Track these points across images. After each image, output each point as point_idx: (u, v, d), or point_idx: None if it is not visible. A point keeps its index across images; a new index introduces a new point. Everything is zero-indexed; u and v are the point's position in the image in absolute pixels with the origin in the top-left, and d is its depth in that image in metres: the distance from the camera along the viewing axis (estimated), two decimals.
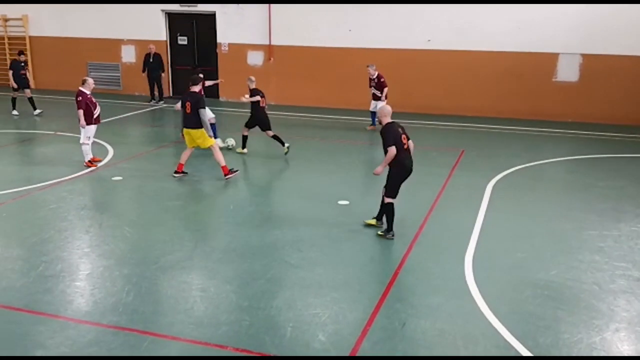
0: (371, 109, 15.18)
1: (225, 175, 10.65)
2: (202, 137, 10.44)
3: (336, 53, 17.83)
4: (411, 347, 5.68)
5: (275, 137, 12.50)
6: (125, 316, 6.15)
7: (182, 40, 19.81)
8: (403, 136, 7.99)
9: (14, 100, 16.50)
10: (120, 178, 10.90)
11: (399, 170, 8.05)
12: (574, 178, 11.50)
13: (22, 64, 16.46)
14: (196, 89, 10.61)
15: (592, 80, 16.11)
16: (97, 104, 11.59)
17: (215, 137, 13.37)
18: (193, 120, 10.39)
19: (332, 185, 10.70)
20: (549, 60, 16.33)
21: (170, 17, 19.74)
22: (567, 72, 16.32)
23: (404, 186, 8.23)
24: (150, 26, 19.64)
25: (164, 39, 19.80)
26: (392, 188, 8.13)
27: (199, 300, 6.57)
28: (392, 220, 8.20)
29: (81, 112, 11.17)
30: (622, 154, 13.07)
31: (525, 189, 10.61)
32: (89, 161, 11.46)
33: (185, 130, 10.63)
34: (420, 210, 9.36)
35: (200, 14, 19.26)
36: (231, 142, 13.07)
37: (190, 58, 19.78)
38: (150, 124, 16.42)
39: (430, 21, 16.90)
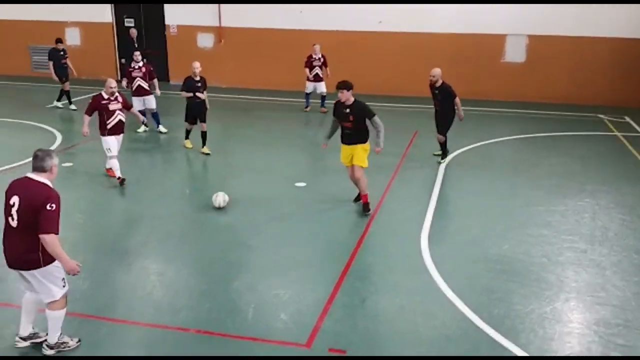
0: (309, 90, 15.18)
1: (365, 206, 8.53)
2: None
3: (288, 35, 17.69)
4: (372, 323, 5.79)
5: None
6: (82, 303, 6.04)
7: (129, 23, 19.28)
8: None
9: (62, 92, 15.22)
10: (71, 164, 10.61)
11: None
12: (521, 156, 11.84)
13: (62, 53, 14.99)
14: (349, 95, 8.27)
15: (537, 61, 16.55)
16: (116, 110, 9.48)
17: (158, 124, 12.98)
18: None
19: (288, 168, 10.71)
20: (497, 41, 16.68)
21: None
22: (514, 53, 16.72)
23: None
24: (95, 8, 19.03)
25: (110, 20, 19.23)
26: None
27: (158, 286, 6.50)
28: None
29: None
30: (566, 132, 13.53)
31: (476, 167, 10.87)
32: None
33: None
34: (376, 191, 9.45)
35: None
36: None
37: (137, 41, 19.24)
38: None
39: (382, 4, 16.97)
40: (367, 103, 8.54)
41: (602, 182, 10.08)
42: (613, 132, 13.60)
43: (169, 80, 19.10)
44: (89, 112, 9.40)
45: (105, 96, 9.31)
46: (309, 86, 15.21)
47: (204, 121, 11.33)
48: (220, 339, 5.50)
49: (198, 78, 11.23)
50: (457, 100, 10.50)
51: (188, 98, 11.26)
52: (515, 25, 16.43)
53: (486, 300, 6.21)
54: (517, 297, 6.30)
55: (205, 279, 6.63)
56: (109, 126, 9.32)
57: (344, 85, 8.19)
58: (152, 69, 12.70)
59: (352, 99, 8.28)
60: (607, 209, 8.92)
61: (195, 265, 6.99)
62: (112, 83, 9.36)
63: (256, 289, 6.39)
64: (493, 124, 14.34)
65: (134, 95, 12.53)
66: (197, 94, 11.13)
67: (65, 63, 15.07)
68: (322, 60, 15.06)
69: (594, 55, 16.12)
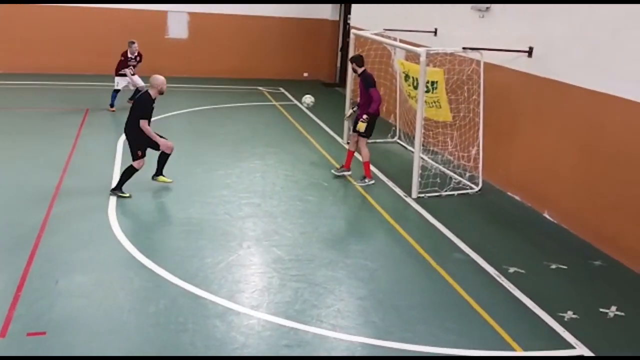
0: (121, 86, 13.17)
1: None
2: None
3: None
4: (70, 300, 5.73)
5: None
6: None
7: None
8: None
9: None
10: None
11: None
12: (198, 127, 12.59)
13: None
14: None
15: (200, 37, 17.49)
16: None
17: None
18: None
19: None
20: (160, 18, 17.06)
21: None
22: (177, 29, 17.37)
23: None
24: None
25: None
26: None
27: None
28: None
29: None
30: (234, 104, 14.77)
31: None
32: None
33: None
34: (53, 171, 9.07)
35: None
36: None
37: None
38: None
39: None
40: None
41: (268, 145, 11.43)
42: (272, 101, 15.34)
43: None
44: None
45: None
46: (120, 82, 13.09)
47: None
48: None
49: None
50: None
51: None
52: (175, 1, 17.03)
53: (180, 259, 6.67)
54: (207, 252, 6.92)
55: None
56: None
57: None
58: None
59: None
60: (274, 167, 10.21)
61: None
62: None
63: None
64: (164, 99, 14.70)
65: None
66: None
67: None
68: (138, 59, 13.28)
69: (252, 33, 17.76)
